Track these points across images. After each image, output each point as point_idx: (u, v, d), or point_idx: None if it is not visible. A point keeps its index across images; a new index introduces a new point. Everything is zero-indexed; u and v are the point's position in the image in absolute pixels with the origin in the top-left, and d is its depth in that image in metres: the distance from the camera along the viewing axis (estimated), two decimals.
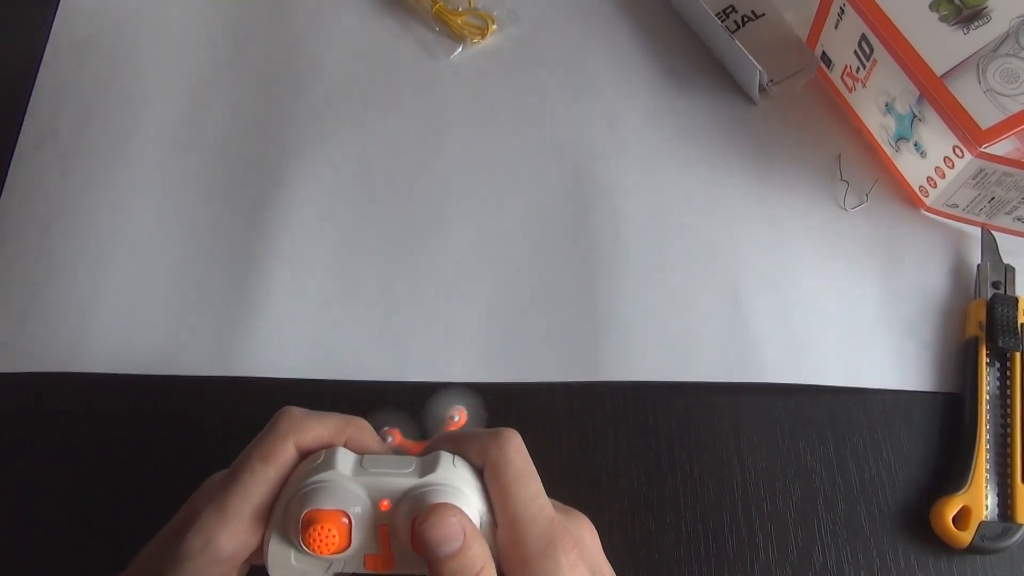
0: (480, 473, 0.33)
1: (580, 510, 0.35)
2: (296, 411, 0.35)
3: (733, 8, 0.54)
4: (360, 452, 0.35)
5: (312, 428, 0.34)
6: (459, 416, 0.43)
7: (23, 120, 0.53)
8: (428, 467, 0.32)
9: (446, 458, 0.33)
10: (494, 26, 0.56)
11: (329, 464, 0.32)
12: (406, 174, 0.52)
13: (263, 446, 0.34)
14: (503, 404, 0.45)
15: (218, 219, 0.51)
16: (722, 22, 0.53)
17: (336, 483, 0.32)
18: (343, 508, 0.31)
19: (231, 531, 0.32)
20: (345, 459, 0.33)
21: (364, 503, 0.32)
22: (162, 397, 0.46)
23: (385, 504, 0.32)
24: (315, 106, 0.54)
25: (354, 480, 0.32)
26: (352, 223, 0.50)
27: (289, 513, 0.32)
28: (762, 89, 0.53)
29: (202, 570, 0.32)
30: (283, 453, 0.34)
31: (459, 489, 0.32)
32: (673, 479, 0.44)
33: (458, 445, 0.34)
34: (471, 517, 0.32)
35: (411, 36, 0.57)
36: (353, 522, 0.31)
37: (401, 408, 0.43)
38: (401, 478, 0.32)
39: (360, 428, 0.36)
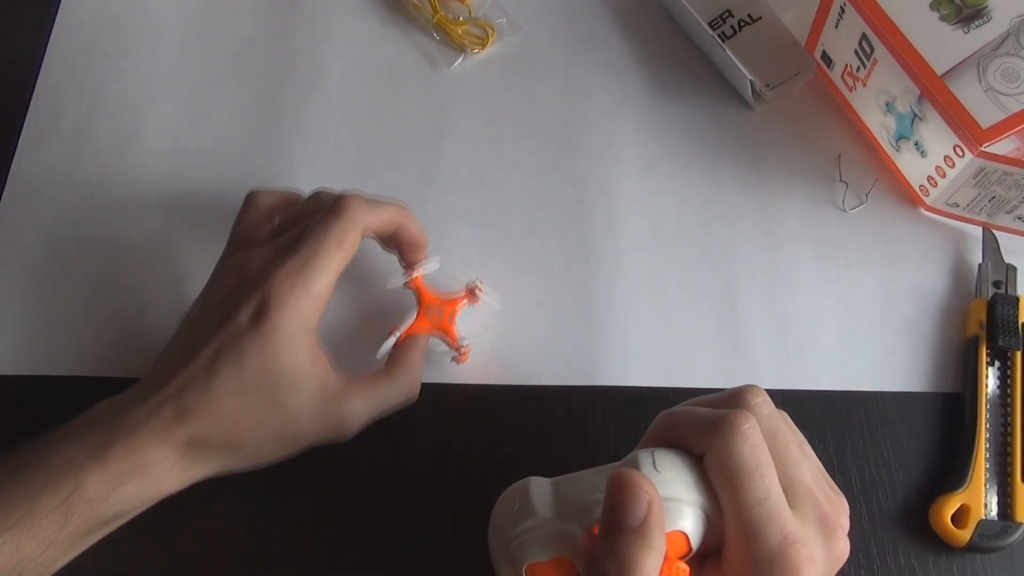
0: (701, 460, 0.30)
1: None
2: (361, 201, 0.39)
3: (729, 13, 0.53)
4: (410, 244, 0.42)
5: (375, 217, 0.40)
6: (478, 286, 0.45)
7: (25, 121, 0.53)
8: None
9: (645, 462, 0.30)
10: (494, 36, 0.56)
11: (529, 509, 0.31)
12: (407, 181, 0.52)
13: (337, 231, 0.37)
14: (502, 405, 0.45)
15: (219, 223, 0.51)
16: (717, 28, 0.53)
17: (544, 531, 0.30)
18: (561, 555, 0.30)
19: (317, 307, 0.37)
20: (541, 496, 0.31)
21: (578, 537, 0.30)
22: None
23: (596, 529, 0.30)
24: (317, 111, 0.54)
25: (557, 520, 0.31)
26: None
27: (513, 561, 0.31)
28: (756, 94, 0.52)
29: (296, 340, 0.36)
30: (353, 240, 0.38)
31: (666, 500, 0.29)
32: None
33: (671, 435, 0.32)
34: (685, 526, 0.29)
35: (412, 45, 0.57)
36: (576, 561, 0.30)
37: (402, 409, 0.43)
38: (602, 495, 0.29)
39: (408, 218, 0.41)
